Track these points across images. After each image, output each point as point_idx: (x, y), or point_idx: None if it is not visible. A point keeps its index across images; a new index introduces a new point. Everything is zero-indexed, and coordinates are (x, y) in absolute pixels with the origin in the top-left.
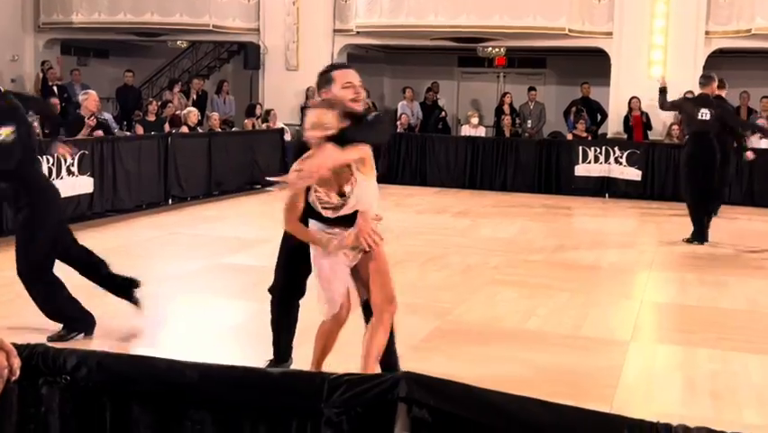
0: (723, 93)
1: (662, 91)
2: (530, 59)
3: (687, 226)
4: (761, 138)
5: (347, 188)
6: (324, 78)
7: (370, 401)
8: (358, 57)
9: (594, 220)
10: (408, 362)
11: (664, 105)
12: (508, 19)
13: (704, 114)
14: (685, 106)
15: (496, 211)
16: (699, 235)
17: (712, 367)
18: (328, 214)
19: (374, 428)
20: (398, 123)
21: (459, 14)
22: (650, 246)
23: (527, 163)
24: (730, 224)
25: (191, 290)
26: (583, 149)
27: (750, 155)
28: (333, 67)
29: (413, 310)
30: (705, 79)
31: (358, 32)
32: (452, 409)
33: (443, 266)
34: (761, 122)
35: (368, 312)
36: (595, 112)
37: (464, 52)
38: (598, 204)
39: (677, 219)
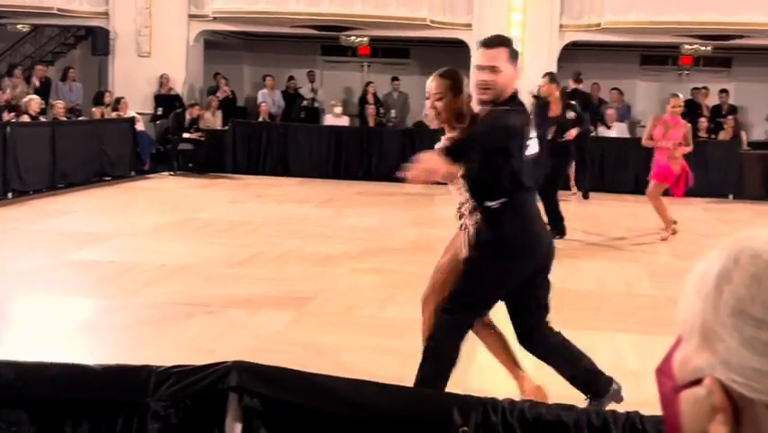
0: (580, 86)
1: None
2: (394, 49)
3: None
4: (609, 128)
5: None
6: None
7: (199, 393)
8: (215, 44)
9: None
10: (264, 354)
11: None
12: (370, 8)
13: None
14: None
15: (359, 200)
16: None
17: None
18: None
19: (204, 419)
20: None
21: (320, 2)
22: None
23: (391, 153)
24: (582, 208)
25: (31, 288)
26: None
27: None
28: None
29: (271, 302)
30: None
31: (215, 18)
32: (285, 397)
33: (303, 257)
34: (610, 111)
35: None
36: None
37: (327, 41)
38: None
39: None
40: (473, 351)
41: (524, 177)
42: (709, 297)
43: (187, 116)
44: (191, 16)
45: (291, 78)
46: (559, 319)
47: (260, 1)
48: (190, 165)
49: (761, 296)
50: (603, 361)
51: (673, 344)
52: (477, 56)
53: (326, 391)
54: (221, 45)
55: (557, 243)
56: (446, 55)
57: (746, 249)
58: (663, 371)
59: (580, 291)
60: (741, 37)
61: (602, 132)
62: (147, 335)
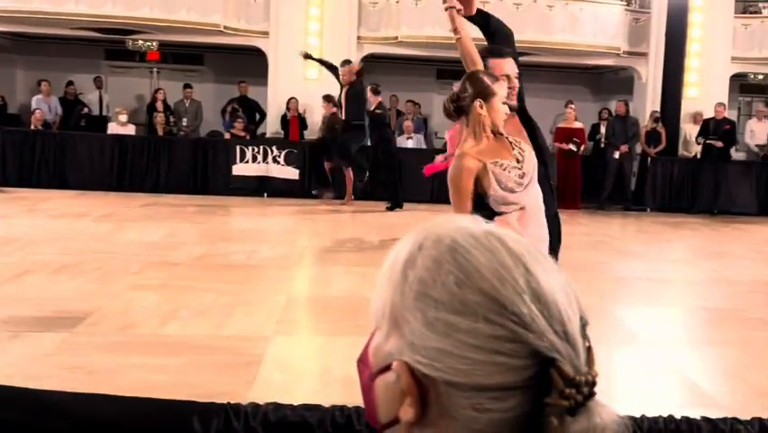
0: (379, 98)
1: (309, 57)
2: (186, 55)
3: (343, 224)
4: (407, 138)
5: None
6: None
7: None
8: None
9: (250, 219)
10: (24, 380)
11: (325, 65)
12: (159, 12)
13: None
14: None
15: (144, 214)
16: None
17: (348, 353)
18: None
19: None
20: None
21: (103, 3)
22: (303, 243)
23: (182, 163)
24: (378, 218)
25: None
26: (241, 148)
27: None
28: (490, 52)
29: (38, 323)
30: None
31: None
32: (9, 416)
33: (77, 274)
34: (407, 123)
35: None
36: (253, 111)
37: (112, 45)
38: (256, 203)
39: (332, 216)
40: None
41: None
42: (397, 283)
43: None
44: None
45: (70, 83)
46: (349, 327)
47: (33, 0)
48: None
49: (441, 278)
50: None
51: (371, 333)
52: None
53: (54, 407)
54: None
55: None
56: (242, 62)
57: (431, 234)
58: (362, 360)
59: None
60: (527, 54)
61: (400, 142)
62: None
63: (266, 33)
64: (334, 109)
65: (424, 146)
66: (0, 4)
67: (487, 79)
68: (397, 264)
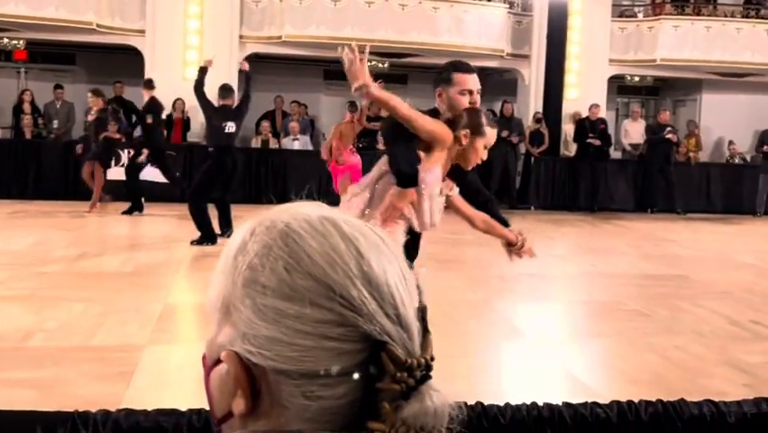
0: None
1: (203, 71)
2: (56, 55)
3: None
4: (293, 139)
5: None
6: (444, 75)
7: None
8: None
9: (127, 225)
10: None
11: (199, 87)
12: (24, 8)
13: (230, 127)
14: (213, 119)
15: (8, 222)
16: (211, 237)
17: None
18: None
19: None
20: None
21: None
22: (181, 248)
23: (53, 168)
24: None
25: None
26: (116, 152)
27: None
28: (455, 67)
29: None
30: (227, 92)
31: None
32: None
33: None
34: (293, 124)
35: None
36: (130, 112)
37: None
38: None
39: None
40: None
41: None
42: (228, 271)
43: None
44: None
45: None
46: None
47: None
48: None
49: (270, 263)
50: None
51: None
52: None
53: None
54: None
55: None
56: (117, 62)
57: (265, 220)
58: (204, 355)
59: None
60: (414, 55)
61: (286, 144)
62: None
63: (142, 32)
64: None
65: (310, 147)
66: None
67: (484, 119)
68: (230, 252)
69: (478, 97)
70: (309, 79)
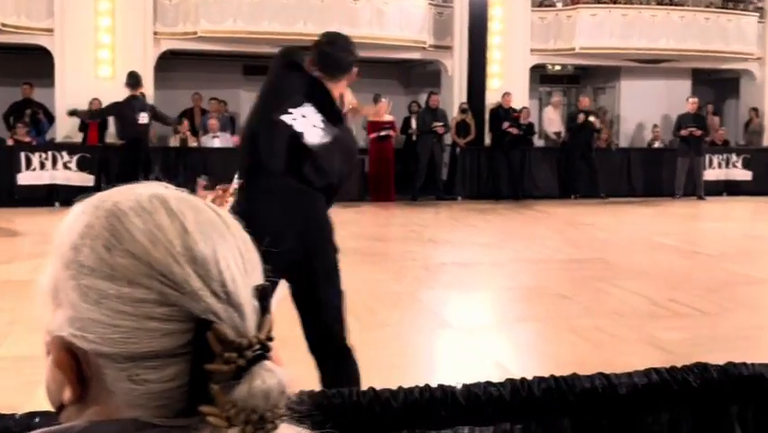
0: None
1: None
2: None
3: None
4: (213, 137)
5: None
6: (347, 62)
7: None
8: None
9: (40, 231)
10: None
11: (95, 115)
12: None
13: (143, 117)
14: (123, 110)
15: None
16: None
17: None
18: None
19: None
20: None
21: None
22: None
23: None
24: None
25: None
26: (26, 155)
27: None
28: (356, 58)
29: None
30: (134, 79)
31: None
32: None
33: None
34: (212, 121)
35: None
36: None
37: None
38: (45, 214)
39: None
40: None
41: None
42: (58, 254)
43: None
44: None
45: None
46: None
47: None
48: None
49: (91, 243)
50: None
51: None
52: None
53: None
54: None
55: None
56: (26, 62)
57: (94, 200)
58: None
59: None
60: None
61: (206, 142)
62: None
63: (50, 30)
64: None
65: (231, 145)
66: None
67: None
68: (59, 233)
69: None
70: (228, 75)
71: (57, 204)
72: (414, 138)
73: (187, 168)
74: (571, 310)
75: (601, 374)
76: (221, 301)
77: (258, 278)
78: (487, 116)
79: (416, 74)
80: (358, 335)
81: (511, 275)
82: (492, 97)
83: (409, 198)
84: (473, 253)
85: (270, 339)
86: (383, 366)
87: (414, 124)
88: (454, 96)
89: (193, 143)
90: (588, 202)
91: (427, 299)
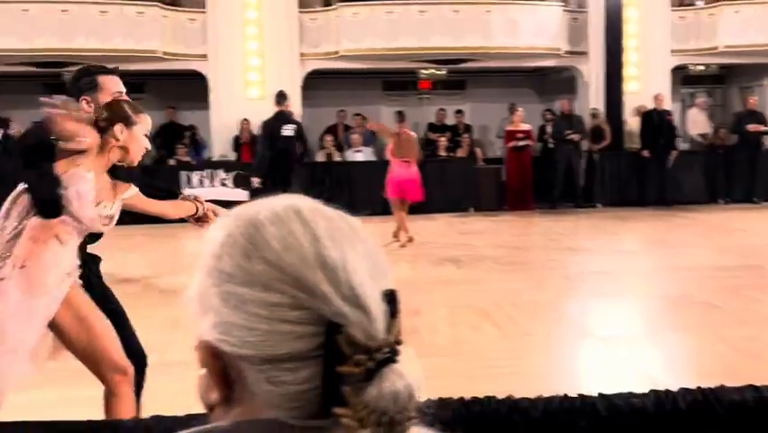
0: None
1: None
2: (125, 84)
3: None
4: (355, 151)
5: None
6: (89, 81)
7: None
8: None
9: (200, 244)
10: None
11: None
12: (94, 41)
13: (287, 130)
14: (271, 125)
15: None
16: None
17: None
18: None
19: None
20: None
21: (36, 36)
22: None
23: None
24: None
25: None
26: (187, 174)
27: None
28: (95, 69)
29: None
30: (282, 97)
31: None
32: None
33: None
34: (354, 136)
35: None
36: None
37: (49, 78)
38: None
39: None
40: None
41: None
42: (203, 265)
43: None
44: None
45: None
46: None
47: None
48: None
49: (231, 251)
50: None
51: None
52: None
53: None
54: None
55: None
56: (184, 87)
57: (234, 213)
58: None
59: None
60: (470, 60)
61: (349, 156)
62: None
63: (205, 56)
64: None
65: (373, 158)
66: None
67: (129, 108)
68: (205, 246)
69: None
70: (368, 91)
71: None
72: (550, 146)
73: (332, 181)
74: (720, 320)
75: (752, 387)
76: (350, 305)
77: (387, 283)
78: (627, 120)
79: (550, 81)
80: (499, 343)
81: (656, 284)
82: (631, 101)
83: (547, 207)
84: (615, 262)
85: (399, 343)
86: (525, 375)
87: (549, 131)
88: (590, 101)
89: (337, 158)
90: (738, 207)
91: (569, 308)
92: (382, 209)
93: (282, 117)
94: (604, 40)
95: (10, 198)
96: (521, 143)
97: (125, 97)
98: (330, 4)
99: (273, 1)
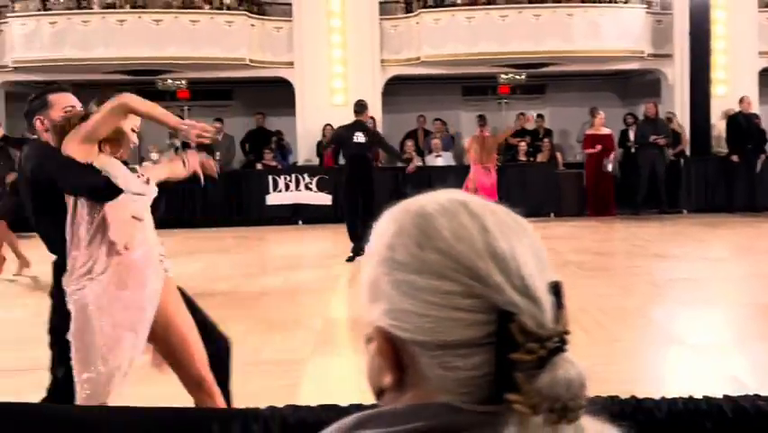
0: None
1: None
2: (215, 91)
3: None
4: (436, 156)
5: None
6: (40, 101)
7: None
8: (18, 94)
9: (287, 247)
10: None
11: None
12: (185, 50)
13: (358, 137)
14: (343, 133)
15: (178, 249)
16: (360, 250)
17: None
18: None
19: None
20: None
21: (129, 46)
22: (339, 266)
23: (215, 198)
24: None
25: None
26: (273, 178)
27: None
28: (46, 90)
29: None
30: (360, 107)
31: (16, 68)
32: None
33: None
34: (435, 141)
35: None
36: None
37: (142, 86)
38: (291, 231)
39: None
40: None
41: None
42: (373, 255)
43: None
44: None
45: None
46: None
47: (63, 48)
48: None
49: (403, 241)
50: None
51: None
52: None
53: (68, 420)
54: (27, 96)
55: None
56: (270, 94)
57: (402, 206)
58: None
59: None
60: (550, 64)
61: (430, 161)
62: None
63: (291, 64)
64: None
65: (453, 163)
66: (32, 54)
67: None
68: (374, 238)
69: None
70: (448, 97)
71: (300, 222)
72: (632, 150)
73: (413, 186)
74: None
75: None
76: (521, 294)
77: (551, 275)
78: (714, 124)
79: (633, 85)
80: (587, 348)
81: (745, 291)
82: (718, 104)
83: (629, 212)
84: (703, 268)
85: (567, 332)
86: (615, 381)
87: (632, 136)
88: (675, 105)
89: (418, 163)
90: None
91: (656, 314)
92: None
93: (354, 126)
94: (689, 42)
95: (68, 228)
96: (609, 168)
97: (77, 111)
98: (411, 11)
99: (356, 9)
